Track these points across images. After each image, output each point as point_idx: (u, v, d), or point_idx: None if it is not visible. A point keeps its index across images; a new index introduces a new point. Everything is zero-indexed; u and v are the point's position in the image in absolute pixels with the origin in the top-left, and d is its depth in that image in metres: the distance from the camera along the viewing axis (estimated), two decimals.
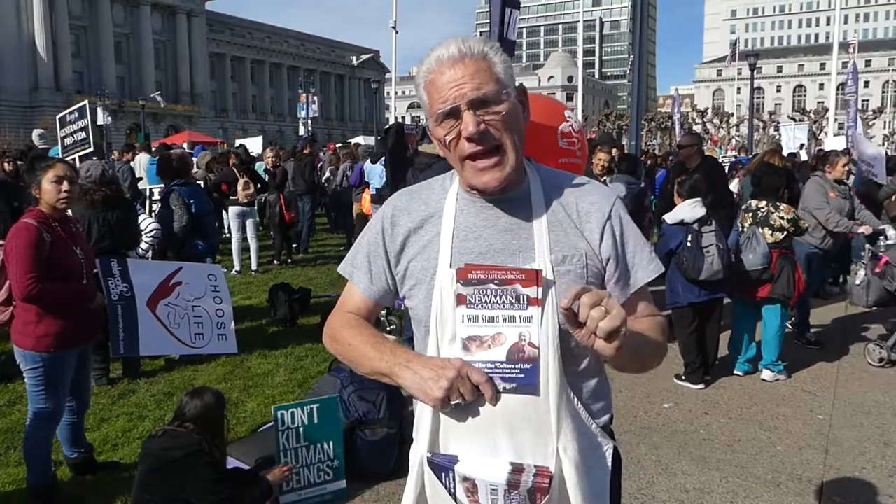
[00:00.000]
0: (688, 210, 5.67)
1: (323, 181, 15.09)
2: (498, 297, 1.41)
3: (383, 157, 9.97)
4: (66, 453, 4.12)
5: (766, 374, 5.82)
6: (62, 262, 3.64)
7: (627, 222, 1.60)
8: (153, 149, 14.60)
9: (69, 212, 5.47)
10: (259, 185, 10.67)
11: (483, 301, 1.42)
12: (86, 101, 8.12)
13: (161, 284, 4.45)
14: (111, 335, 4.17)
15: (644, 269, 1.59)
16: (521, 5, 9.26)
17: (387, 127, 6.72)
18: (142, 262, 4.72)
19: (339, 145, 21.71)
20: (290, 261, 11.72)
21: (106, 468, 4.20)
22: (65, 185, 3.65)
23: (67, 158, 8.07)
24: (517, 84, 1.52)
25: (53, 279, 3.59)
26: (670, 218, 5.80)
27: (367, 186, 10.74)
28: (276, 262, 11.53)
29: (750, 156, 17.99)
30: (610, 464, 1.57)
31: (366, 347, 1.57)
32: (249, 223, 10.56)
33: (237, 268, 10.57)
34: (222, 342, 4.66)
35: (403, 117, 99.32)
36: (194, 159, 13.55)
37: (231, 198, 10.37)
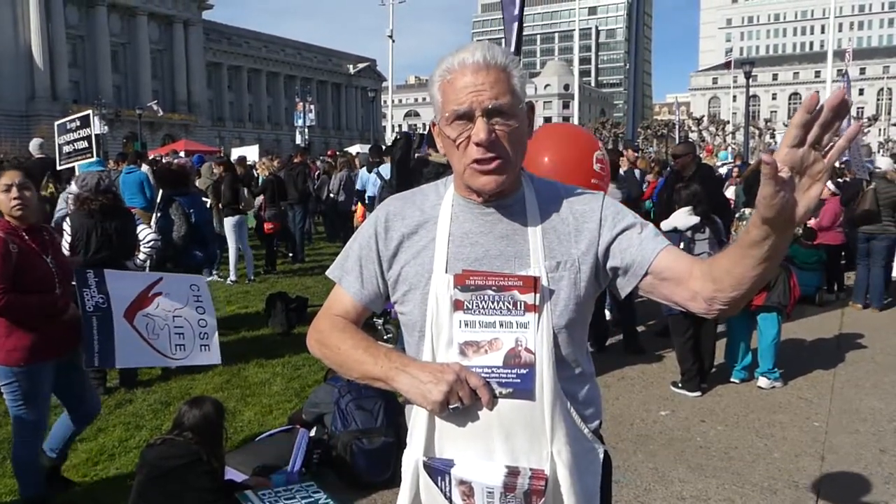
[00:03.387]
0: (681, 218, 5.70)
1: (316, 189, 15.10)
2: (495, 303, 1.44)
3: (378, 166, 10.03)
4: (47, 452, 4.00)
5: (763, 382, 5.83)
6: (31, 273, 3.55)
7: (620, 211, 1.59)
8: (152, 158, 14.57)
9: (65, 220, 5.49)
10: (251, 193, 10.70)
11: (480, 307, 1.44)
12: (89, 111, 8.08)
13: (140, 295, 4.33)
14: (85, 347, 4.02)
15: (651, 242, 1.53)
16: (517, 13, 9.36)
17: (395, 137, 6.66)
18: (121, 272, 4.57)
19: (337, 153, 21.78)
20: (275, 270, 11.72)
21: (67, 482, 4.10)
22: (14, 193, 3.53)
23: (65, 166, 8.11)
24: (527, 101, 1.54)
25: (23, 291, 3.49)
26: (665, 226, 5.83)
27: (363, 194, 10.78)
28: (272, 270, 11.60)
29: (737, 163, 18.04)
30: (601, 468, 1.59)
31: (357, 352, 1.56)
32: (245, 232, 10.58)
33: (233, 277, 10.56)
34: (205, 353, 4.53)
35: (400, 125, 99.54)
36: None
37: (233, 206, 10.39)
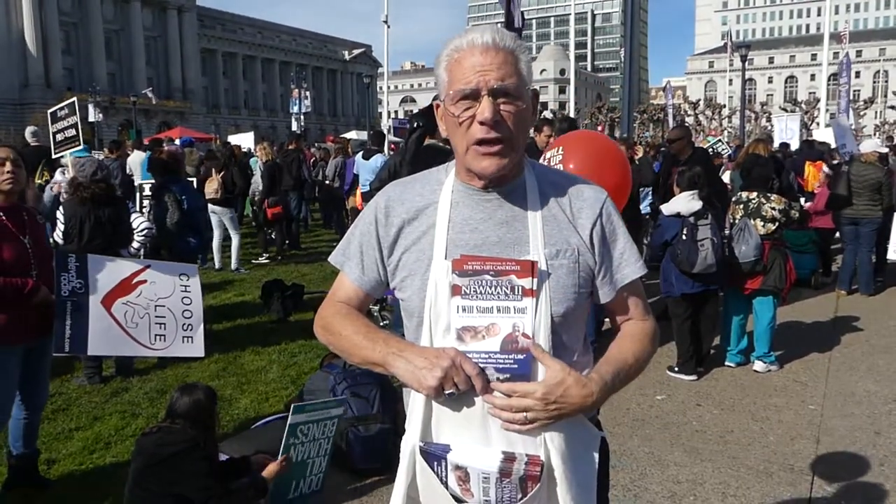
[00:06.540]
0: (684, 203, 5.65)
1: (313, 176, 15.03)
2: (493, 288, 1.44)
3: (376, 154, 9.97)
4: (12, 447, 3.91)
5: (759, 366, 5.84)
6: (6, 253, 3.46)
7: (617, 220, 1.64)
8: (145, 144, 14.48)
9: (59, 208, 5.46)
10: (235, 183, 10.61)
11: (478, 291, 1.44)
12: (74, 98, 8.04)
13: (122, 282, 4.15)
14: (55, 332, 3.83)
15: (631, 266, 1.63)
16: None
17: (412, 116, 6.50)
18: (105, 258, 4.36)
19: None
20: (279, 257, 11.66)
21: (41, 482, 3.97)
22: (8, 167, 3.49)
23: (58, 155, 8.07)
24: (532, 87, 1.55)
25: None
26: (667, 209, 5.81)
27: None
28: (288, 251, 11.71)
29: (733, 146, 18.05)
30: (597, 454, 1.59)
31: (357, 337, 1.58)
32: (227, 220, 10.54)
33: (234, 265, 10.54)
34: (188, 345, 4.31)
35: (396, 111, 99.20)
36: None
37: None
